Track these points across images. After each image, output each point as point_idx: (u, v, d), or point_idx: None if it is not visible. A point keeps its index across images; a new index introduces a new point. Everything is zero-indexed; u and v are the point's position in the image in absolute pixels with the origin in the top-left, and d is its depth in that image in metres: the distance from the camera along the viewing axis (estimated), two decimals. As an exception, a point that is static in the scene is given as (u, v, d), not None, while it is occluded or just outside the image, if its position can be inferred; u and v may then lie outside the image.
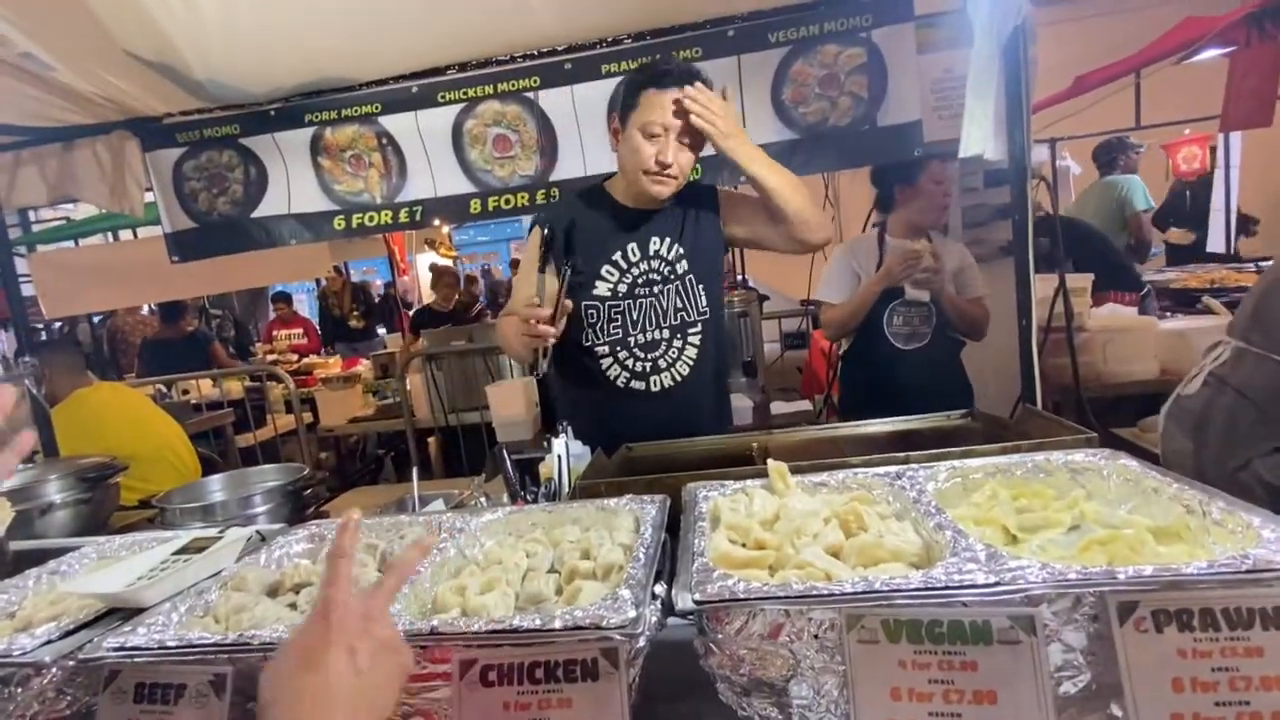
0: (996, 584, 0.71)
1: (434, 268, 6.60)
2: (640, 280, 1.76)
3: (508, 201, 2.57)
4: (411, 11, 2.14)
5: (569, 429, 1.56)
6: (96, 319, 6.71)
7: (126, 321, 5.94)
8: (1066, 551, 0.88)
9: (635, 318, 1.77)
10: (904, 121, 2.27)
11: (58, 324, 6.62)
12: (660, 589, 0.84)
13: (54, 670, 0.83)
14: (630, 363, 1.78)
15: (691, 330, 1.80)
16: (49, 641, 0.87)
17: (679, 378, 1.80)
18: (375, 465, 4.70)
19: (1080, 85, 3.44)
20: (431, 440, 4.10)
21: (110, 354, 6.06)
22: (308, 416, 4.52)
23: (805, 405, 3.14)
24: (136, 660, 0.81)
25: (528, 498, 1.50)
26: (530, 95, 2.43)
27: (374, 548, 1.13)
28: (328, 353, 6.81)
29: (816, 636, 0.73)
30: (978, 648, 0.68)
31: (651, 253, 1.76)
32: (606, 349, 1.77)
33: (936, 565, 0.77)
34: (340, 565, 0.67)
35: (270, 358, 6.34)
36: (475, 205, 2.59)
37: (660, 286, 1.77)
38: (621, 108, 1.68)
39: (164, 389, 4.63)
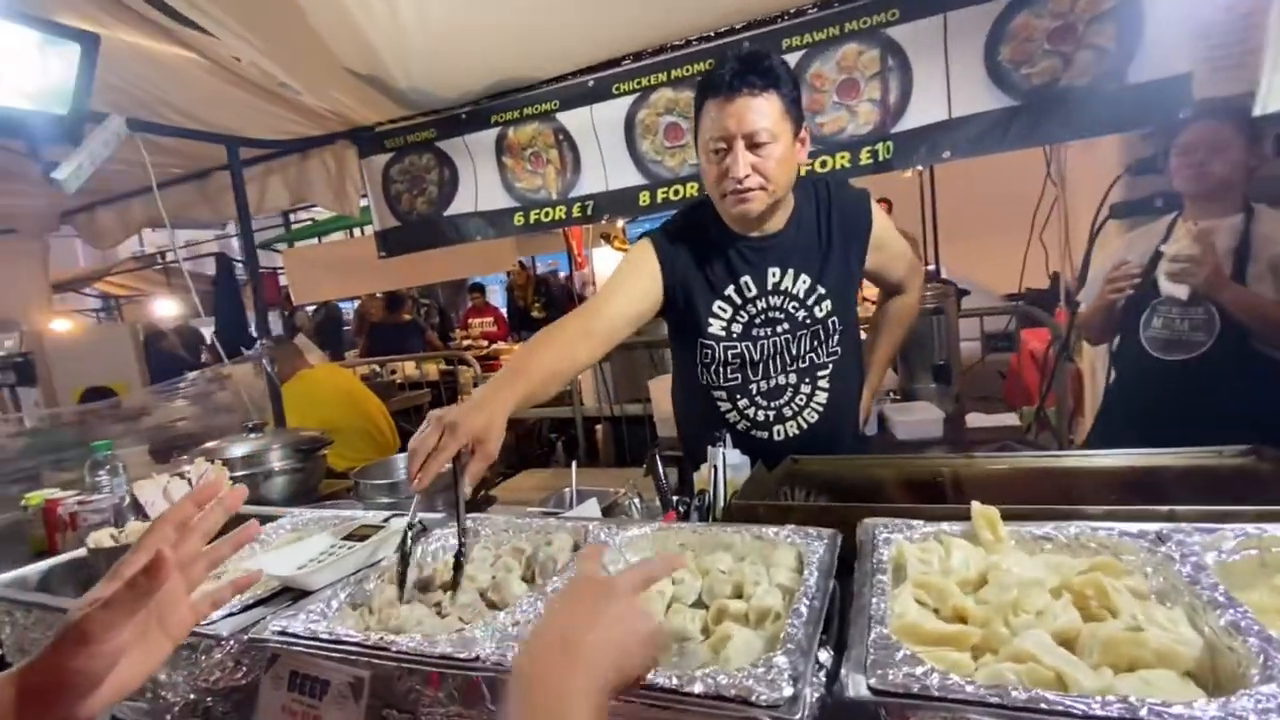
0: (1356, 746, 0.47)
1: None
2: (759, 319, 1.53)
3: (676, 192, 2.49)
4: (591, 4, 2.13)
5: (727, 438, 1.44)
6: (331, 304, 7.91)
7: (370, 305, 6.88)
8: None
9: (756, 360, 1.55)
10: (1165, 76, 1.81)
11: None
12: (825, 656, 0.69)
13: (231, 643, 0.90)
14: (751, 411, 1.58)
15: (821, 373, 1.56)
16: (231, 614, 0.94)
17: (805, 425, 1.57)
18: (548, 448, 4.96)
19: None
20: (599, 428, 4.20)
21: (356, 332, 7.09)
22: (493, 399, 4.87)
23: (1011, 419, 2.69)
24: (292, 648, 0.83)
25: (680, 509, 1.41)
26: (704, 79, 2.32)
27: (520, 551, 1.11)
28: (514, 340, 7.34)
29: (1042, 767, 0.54)
30: (1322, 844, 0.45)
31: (771, 286, 1.52)
32: (724, 394, 1.59)
33: (1239, 693, 0.53)
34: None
35: (465, 343, 6.98)
36: (644, 198, 2.55)
37: (788, 327, 1.53)
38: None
39: (378, 368, 5.28)
